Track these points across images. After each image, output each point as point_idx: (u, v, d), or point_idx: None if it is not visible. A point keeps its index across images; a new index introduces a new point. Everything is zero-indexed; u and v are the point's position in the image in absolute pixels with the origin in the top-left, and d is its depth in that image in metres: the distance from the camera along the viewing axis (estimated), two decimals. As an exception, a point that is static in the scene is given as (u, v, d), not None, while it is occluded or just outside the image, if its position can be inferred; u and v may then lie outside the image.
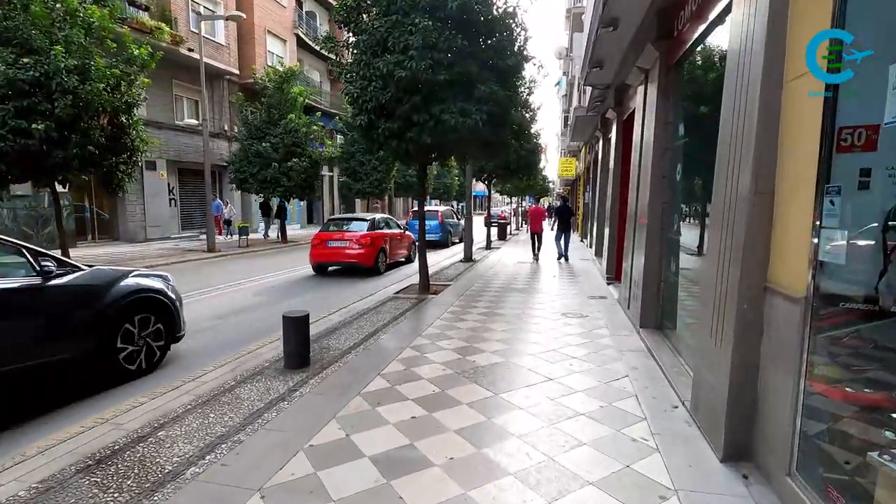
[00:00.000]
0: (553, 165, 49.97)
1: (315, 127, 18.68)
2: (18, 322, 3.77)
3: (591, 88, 11.04)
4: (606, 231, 9.82)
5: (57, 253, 4.87)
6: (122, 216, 17.26)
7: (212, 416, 3.58)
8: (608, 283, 9.26)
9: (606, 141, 11.94)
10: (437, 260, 13.67)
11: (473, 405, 3.75)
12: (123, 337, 4.49)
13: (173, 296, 5.06)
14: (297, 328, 4.52)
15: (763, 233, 2.71)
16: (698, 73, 4.86)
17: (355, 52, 7.58)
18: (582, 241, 20.06)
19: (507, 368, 4.59)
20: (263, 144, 17.23)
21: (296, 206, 28.29)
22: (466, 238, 13.38)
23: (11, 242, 4.01)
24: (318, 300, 8.26)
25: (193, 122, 15.77)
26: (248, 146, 17.55)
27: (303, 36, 26.60)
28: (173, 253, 14.82)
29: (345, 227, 11.48)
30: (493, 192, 21.30)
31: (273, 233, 21.54)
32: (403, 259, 13.15)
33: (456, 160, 11.71)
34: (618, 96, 9.22)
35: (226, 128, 21.21)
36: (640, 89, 6.39)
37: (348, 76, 7.66)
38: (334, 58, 7.97)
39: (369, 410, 3.66)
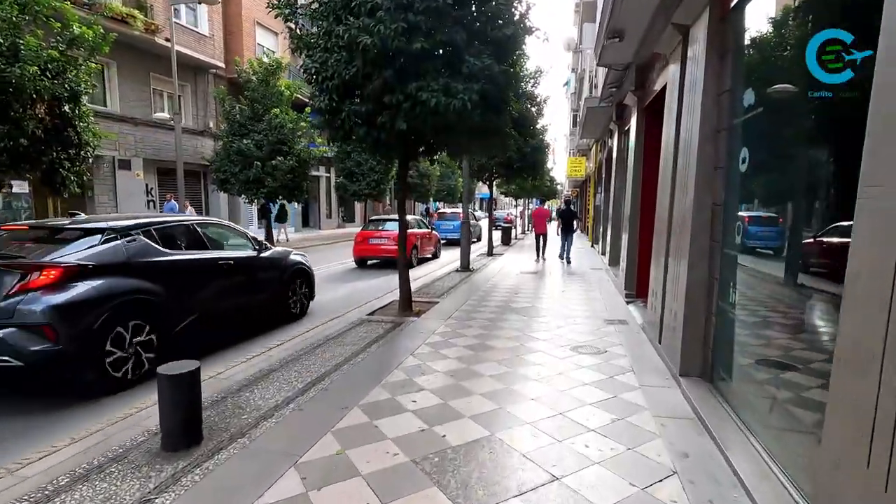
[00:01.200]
0: (561, 167, 48.39)
1: (304, 123, 17.28)
2: (247, 277, 6.07)
3: (605, 73, 9.51)
4: (625, 238, 8.27)
5: None
6: (93, 219, 15.93)
7: None
8: (628, 302, 7.71)
9: (623, 134, 10.39)
10: (431, 269, 12.18)
11: (426, 542, 2.25)
12: (290, 294, 6.96)
13: (311, 269, 7.56)
14: (178, 391, 3.03)
15: None
16: (776, 15, 3.32)
17: (316, 18, 6.14)
18: (593, 246, 18.47)
19: (489, 453, 3.07)
20: (245, 142, 15.87)
21: (290, 209, 27.01)
22: (463, 244, 11.87)
23: (241, 231, 6.65)
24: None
25: (164, 115, 14.45)
26: (229, 144, 16.20)
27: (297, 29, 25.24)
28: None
29: (382, 227, 13.05)
30: (497, 193, 19.77)
31: (281, 236, 20.29)
32: (430, 255, 14.78)
33: (450, 156, 10.19)
34: (639, 77, 7.69)
35: (211, 125, 19.90)
36: (676, 55, 4.86)
37: (308, 51, 6.23)
38: (293, 27, 6.52)
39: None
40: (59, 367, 3.98)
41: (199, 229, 5.68)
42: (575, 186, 39.03)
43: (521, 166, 14.13)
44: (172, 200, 15.08)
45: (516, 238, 24.02)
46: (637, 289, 7.77)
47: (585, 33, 22.05)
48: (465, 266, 11.80)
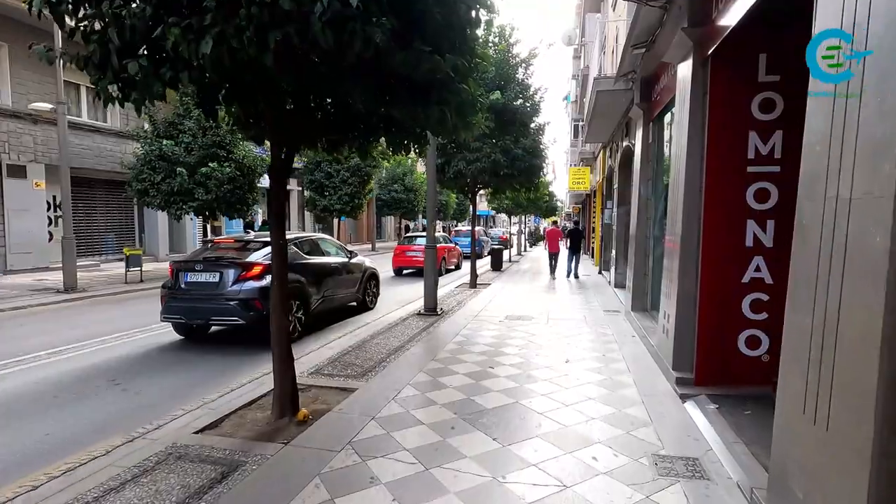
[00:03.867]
0: (561, 183, 45.31)
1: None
2: (345, 276, 8.26)
3: (630, 23, 6.38)
4: (672, 276, 4.99)
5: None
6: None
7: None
8: (679, 391, 4.40)
9: (652, 121, 7.23)
10: (391, 309, 8.89)
11: None
12: (368, 291, 9.18)
13: (378, 273, 9.75)
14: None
15: None
16: None
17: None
18: (601, 273, 15.16)
19: None
20: (166, 142, 12.72)
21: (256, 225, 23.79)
22: (428, 277, 8.59)
23: (338, 243, 9.02)
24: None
25: (45, 106, 11.28)
26: (149, 147, 13.07)
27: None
28: (20, 293, 10.19)
29: (415, 242, 15.58)
30: (485, 207, 16.69)
31: None
32: (454, 266, 17.45)
33: (347, 137, 6.54)
34: (699, 7, 4.54)
35: (146, 127, 16.78)
36: None
37: None
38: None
39: None
40: (262, 325, 5.80)
41: (318, 242, 8.23)
42: (577, 203, 35.89)
43: (511, 173, 10.93)
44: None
45: (510, 261, 20.74)
46: (698, 369, 4.48)
47: (588, 25, 19.15)
48: (432, 307, 8.51)
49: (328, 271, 7.74)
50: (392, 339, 6.57)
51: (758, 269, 4.27)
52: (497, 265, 16.85)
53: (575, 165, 23.43)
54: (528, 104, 11.28)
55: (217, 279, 6.35)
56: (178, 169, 12.55)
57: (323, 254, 7.98)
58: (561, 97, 46.48)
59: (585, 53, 20.11)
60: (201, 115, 13.12)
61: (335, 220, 28.58)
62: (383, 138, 4.69)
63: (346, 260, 8.49)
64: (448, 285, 12.85)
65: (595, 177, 19.83)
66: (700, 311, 4.42)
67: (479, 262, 18.13)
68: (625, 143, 10.04)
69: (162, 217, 17.02)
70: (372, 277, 9.37)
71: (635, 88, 7.70)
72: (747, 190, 4.25)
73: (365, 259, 9.21)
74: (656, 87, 6.99)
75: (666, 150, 7.16)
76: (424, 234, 13.02)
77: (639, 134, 7.81)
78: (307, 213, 26.17)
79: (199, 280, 6.43)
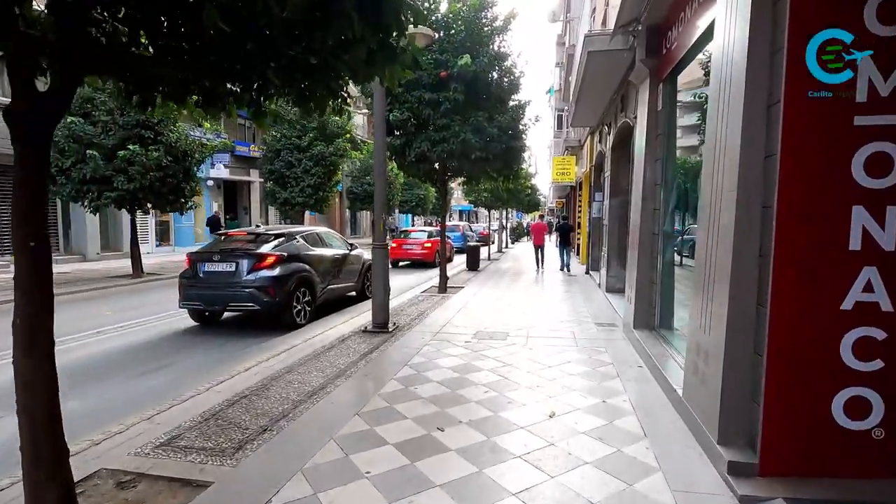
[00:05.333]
0: (544, 177, 43.80)
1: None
2: (346, 266, 8.70)
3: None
4: (714, 287, 3.27)
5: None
6: None
7: None
8: (736, 489, 2.69)
9: (664, 81, 5.54)
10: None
11: None
12: (367, 281, 9.25)
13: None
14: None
15: None
16: None
17: None
18: (589, 273, 13.53)
19: None
20: (72, 119, 10.63)
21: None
22: (377, 283, 6.77)
23: (339, 236, 9.40)
24: None
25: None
26: (63, 127, 10.95)
27: None
28: None
29: (411, 236, 17.08)
30: (464, 201, 15.07)
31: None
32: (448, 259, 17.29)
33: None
34: None
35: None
36: None
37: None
38: None
39: None
40: (275, 311, 6.98)
41: (322, 235, 8.68)
42: (560, 197, 34.38)
43: (485, 157, 9.15)
44: None
45: (490, 258, 19.01)
46: (765, 449, 2.76)
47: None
48: (381, 322, 6.71)
49: (332, 262, 8.38)
50: (313, 376, 4.75)
51: (869, 288, 2.58)
52: (473, 264, 15.08)
53: (559, 155, 21.77)
54: (505, 79, 9.55)
55: (233, 268, 6.97)
56: (90, 152, 10.49)
57: (326, 246, 8.53)
58: (544, 91, 44.88)
59: (571, 32, 18.44)
60: (119, 89, 11.10)
61: (306, 215, 26.49)
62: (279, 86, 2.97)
63: (347, 252, 8.93)
64: (416, 287, 11.20)
65: (580, 168, 18.20)
66: (769, 353, 2.72)
67: (457, 259, 17.28)
68: (621, 121, 8.35)
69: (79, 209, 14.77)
70: (370, 269, 10.10)
71: (638, 43, 5.98)
72: (854, 155, 2.55)
73: (363, 251, 9.60)
74: (669, 36, 5.28)
75: (682, 119, 5.47)
76: (420, 229, 13.53)
77: (643, 101, 6.09)
78: (271, 208, 24.04)
79: (216, 269, 7.03)
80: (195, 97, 2.99)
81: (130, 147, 10.84)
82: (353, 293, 9.31)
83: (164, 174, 11.69)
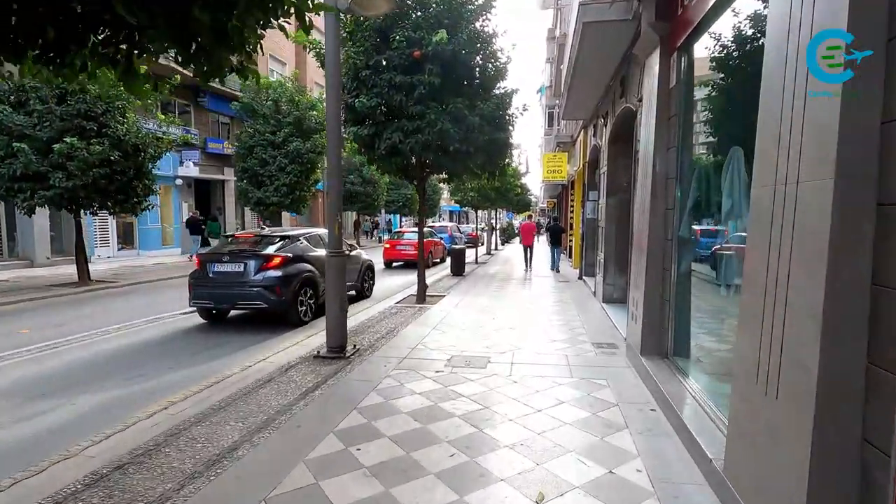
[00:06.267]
0: (535, 177, 42.79)
1: (148, 88, 10.85)
2: (346, 267, 6.85)
3: None
4: (776, 326, 2.16)
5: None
6: None
7: None
8: None
9: (677, 52, 4.46)
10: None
11: None
12: (365, 281, 9.96)
13: (373, 265, 10.56)
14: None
15: None
16: None
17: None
18: (581, 279, 12.45)
19: None
20: (5, 110, 9.37)
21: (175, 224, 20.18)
22: (330, 302, 5.61)
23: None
24: None
25: None
26: (-12, 116, 9.68)
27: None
28: None
29: (404, 237, 16.79)
30: (446, 198, 14.03)
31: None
32: (439, 259, 18.34)
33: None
34: None
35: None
36: None
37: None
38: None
39: None
40: (281, 309, 7.29)
41: (322, 237, 8.49)
42: (552, 196, 33.40)
43: (466, 149, 8.02)
44: None
45: (477, 262, 17.90)
46: None
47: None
48: (337, 346, 5.55)
49: None
50: (227, 429, 3.61)
51: None
52: (458, 269, 13.93)
53: (551, 152, 20.72)
54: (490, 64, 8.45)
55: (242, 269, 7.25)
56: (17, 145, 9.23)
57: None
58: (535, 90, 43.87)
59: (562, 21, 17.38)
60: (54, 77, 9.87)
61: (287, 216, 25.19)
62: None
63: (348, 253, 10.45)
64: (400, 293, 10.21)
65: (572, 166, 17.14)
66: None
67: (447, 262, 16.40)
68: (621, 108, 7.28)
69: (40, 212, 13.44)
70: (369, 269, 10.37)
71: (645, 5, 4.89)
72: None
73: (362, 252, 10.35)
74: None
75: (699, 93, 4.39)
76: (413, 230, 14.07)
77: (650, 77, 5.01)
78: (246, 208, 22.74)
79: (225, 270, 7.31)
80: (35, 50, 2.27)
81: (68, 140, 9.59)
82: (353, 292, 9.29)
83: (111, 171, 10.46)
